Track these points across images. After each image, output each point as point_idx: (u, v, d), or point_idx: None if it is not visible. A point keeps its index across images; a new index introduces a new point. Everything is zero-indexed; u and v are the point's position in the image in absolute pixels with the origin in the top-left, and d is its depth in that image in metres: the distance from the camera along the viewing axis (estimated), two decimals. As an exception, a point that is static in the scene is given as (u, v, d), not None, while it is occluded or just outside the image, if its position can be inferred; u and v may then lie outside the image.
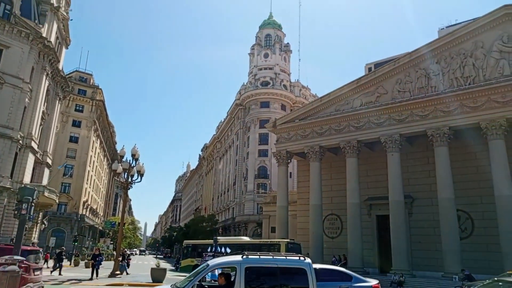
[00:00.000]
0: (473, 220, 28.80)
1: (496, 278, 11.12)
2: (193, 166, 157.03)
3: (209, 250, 31.21)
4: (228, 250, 28.33)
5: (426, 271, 28.35)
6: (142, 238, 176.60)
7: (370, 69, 51.56)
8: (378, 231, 33.72)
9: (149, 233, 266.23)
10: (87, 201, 70.74)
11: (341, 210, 34.58)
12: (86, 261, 38.24)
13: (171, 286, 9.43)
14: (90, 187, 73.03)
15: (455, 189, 27.55)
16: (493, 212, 25.96)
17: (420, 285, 25.08)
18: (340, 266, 32.31)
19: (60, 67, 46.33)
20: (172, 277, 26.78)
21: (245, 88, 77.88)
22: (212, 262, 9.30)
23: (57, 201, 46.65)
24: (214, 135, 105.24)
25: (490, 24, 27.65)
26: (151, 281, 22.71)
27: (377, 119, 31.67)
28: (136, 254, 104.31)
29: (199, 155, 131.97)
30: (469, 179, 29.04)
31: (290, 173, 63.01)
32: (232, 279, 8.69)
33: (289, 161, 38.13)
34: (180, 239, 60.99)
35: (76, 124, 68.52)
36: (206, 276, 9.16)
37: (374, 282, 13.23)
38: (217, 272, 9.27)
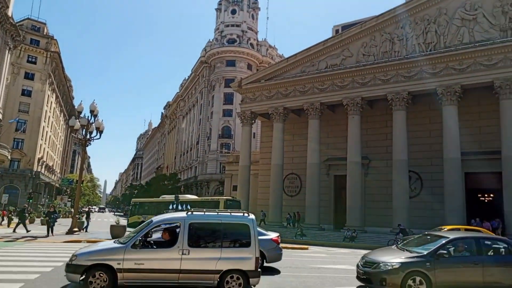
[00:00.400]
0: (422, 181, 30.71)
1: (426, 232, 12.30)
2: (155, 124, 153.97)
3: (170, 207, 31.37)
4: (189, 207, 28.58)
5: (377, 227, 30.22)
6: (101, 195, 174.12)
7: (337, 31, 51.39)
8: (335, 190, 35.23)
9: (109, 190, 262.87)
10: (42, 157, 67.97)
11: (301, 169, 35.56)
12: (42, 218, 37.35)
13: (114, 241, 9.51)
14: (45, 144, 69.96)
15: (408, 151, 29.00)
16: (440, 173, 27.70)
17: (369, 239, 26.81)
18: (293, 222, 33.98)
19: (10, 14, 42.51)
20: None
21: (210, 45, 75.67)
22: (156, 218, 9.41)
23: (8, 157, 44.45)
24: (177, 93, 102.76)
25: (455, -9, 28.10)
26: (111, 238, 22.62)
27: (341, 82, 32.08)
28: (95, 211, 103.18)
29: (162, 113, 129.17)
30: (422, 142, 30.58)
31: (254, 133, 63.44)
32: (176, 235, 8.85)
33: (253, 121, 38.21)
34: (141, 197, 60.71)
35: (29, 76, 64.12)
36: (152, 232, 9.21)
37: (274, 235, 13.96)
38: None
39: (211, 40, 77.49)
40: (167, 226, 9.22)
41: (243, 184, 36.54)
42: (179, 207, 28.41)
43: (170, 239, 8.96)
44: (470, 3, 27.42)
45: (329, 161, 35.07)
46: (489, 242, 10.11)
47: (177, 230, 8.96)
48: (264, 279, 10.82)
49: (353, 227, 28.21)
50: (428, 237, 10.96)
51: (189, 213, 9.21)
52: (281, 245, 14.30)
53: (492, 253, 9.78)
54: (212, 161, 67.25)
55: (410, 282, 9.00)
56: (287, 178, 37.47)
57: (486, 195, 31.17)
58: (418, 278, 9.01)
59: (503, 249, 9.84)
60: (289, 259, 15.56)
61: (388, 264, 9.26)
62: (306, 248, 22.10)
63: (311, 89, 33.49)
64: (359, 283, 10.28)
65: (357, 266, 10.22)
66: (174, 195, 34.96)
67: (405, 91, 28.96)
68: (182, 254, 8.60)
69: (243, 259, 8.82)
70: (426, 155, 30.40)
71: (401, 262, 9.24)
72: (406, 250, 10.16)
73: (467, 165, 28.05)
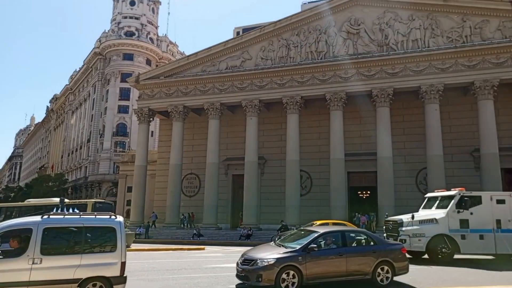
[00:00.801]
0: (312, 179, 33.13)
1: (302, 228, 13.42)
2: (38, 119, 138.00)
3: (54, 211, 28.28)
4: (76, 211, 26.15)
5: (272, 224, 31.61)
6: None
7: (238, 33, 52.54)
8: (234, 189, 35.89)
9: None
10: None
11: (200, 169, 35.37)
12: None
13: None
14: None
15: (301, 152, 31.01)
16: (327, 172, 30.20)
17: (264, 237, 27.91)
18: (188, 223, 33.78)
19: None
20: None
21: (106, 36, 70.64)
22: (2, 224, 8.49)
23: None
24: (66, 85, 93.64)
25: (342, 6, 30.96)
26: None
27: (240, 84, 32.78)
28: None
29: (47, 106, 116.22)
30: (312, 144, 32.97)
31: (152, 132, 61.15)
32: (28, 242, 8.02)
33: (151, 119, 36.74)
34: (20, 200, 53.72)
35: None
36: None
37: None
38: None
39: (107, 31, 72.39)
40: (16, 232, 8.18)
41: (139, 185, 34.89)
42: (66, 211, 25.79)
43: (18, 248, 7.99)
44: (354, 18, 30.44)
45: (228, 161, 35.56)
46: (353, 235, 11.20)
47: (30, 236, 8.03)
48: (153, 283, 10.46)
49: (249, 225, 29.08)
50: (302, 232, 11.75)
51: (45, 216, 8.39)
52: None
53: (354, 245, 10.84)
54: (105, 161, 62.87)
55: (284, 276, 9.55)
56: (186, 178, 36.91)
57: (365, 192, 34.96)
58: (291, 272, 9.60)
59: (363, 240, 10.93)
60: (184, 260, 15.30)
61: (265, 260, 9.64)
62: (203, 249, 22.04)
63: (212, 89, 33.56)
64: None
65: (237, 264, 10.39)
66: (45, 199, 31.48)
67: (298, 95, 30.87)
68: (33, 263, 7.78)
69: (107, 264, 8.33)
70: (316, 156, 32.85)
71: (276, 258, 9.69)
72: (282, 245, 10.70)
73: (350, 165, 31.12)
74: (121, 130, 64.75)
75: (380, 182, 28.54)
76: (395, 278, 10.61)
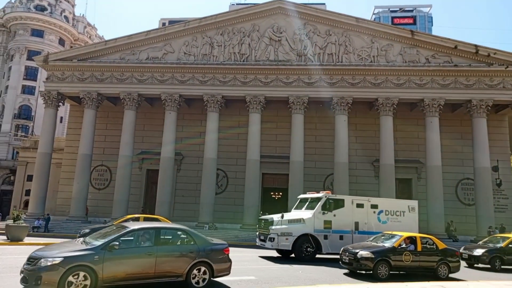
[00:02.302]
0: (228, 178, 33.65)
1: (115, 223, 13.05)
2: None
3: None
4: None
5: (185, 222, 31.32)
6: None
7: (164, 24, 51.12)
8: (147, 184, 34.88)
9: None
10: None
11: (112, 161, 33.67)
12: None
13: None
14: None
15: (219, 151, 31.31)
16: (243, 172, 30.95)
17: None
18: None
19: None
20: None
21: (12, 7, 63.31)
22: None
23: None
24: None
25: (266, 12, 31.91)
26: None
27: (161, 76, 31.94)
28: None
29: None
30: (231, 143, 33.45)
31: (61, 117, 56.52)
32: None
33: (60, 104, 33.95)
34: None
35: None
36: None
37: None
38: None
39: (13, 1, 64.91)
40: None
41: (41, 174, 32.03)
42: None
43: None
44: (277, 26, 31.59)
45: (143, 155, 34.43)
46: (169, 233, 10.27)
47: None
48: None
49: (160, 222, 28.51)
50: (114, 228, 10.61)
51: None
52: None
53: (170, 243, 9.93)
54: (3, 145, 56.47)
55: (71, 278, 8.24)
56: (95, 169, 34.87)
57: (277, 193, 36.46)
58: (82, 273, 8.37)
59: (182, 239, 10.15)
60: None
61: (49, 259, 8.26)
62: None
63: (130, 78, 32.18)
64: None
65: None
66: None
67: (220, 94, 31.09)
68: None
69: None
70: (233, 156, 33.41)
71: (63, 257, 8.36)
72: (86, 242, 9.44)
73: (265, 167, 32.25)
74: (25, 113, 58.65)
75: (291, 184, 30.01)
76: (221, 280, 10.67)
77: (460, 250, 17.80)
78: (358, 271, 13.45)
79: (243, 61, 31.36)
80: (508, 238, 17.98)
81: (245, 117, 31.92)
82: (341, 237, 17.25)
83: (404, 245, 13.42)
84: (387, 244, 13.60)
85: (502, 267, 16.84)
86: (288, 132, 31.50)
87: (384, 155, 29.62)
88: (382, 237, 14.69)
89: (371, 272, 12.85)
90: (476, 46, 29.72)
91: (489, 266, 16.97)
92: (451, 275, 13.80)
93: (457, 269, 13.85)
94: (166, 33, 32.57)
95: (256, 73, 30.92)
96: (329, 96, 30.53)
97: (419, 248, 13.53)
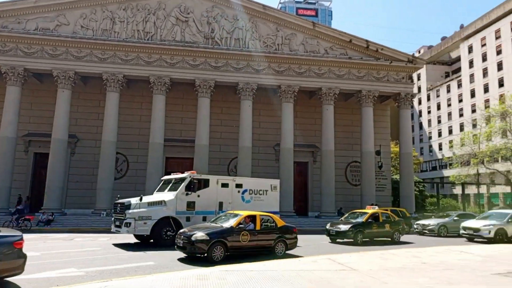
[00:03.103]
0: (129, 163, 32.17)
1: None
2: None
3: None
4: None
5: (79, 209, 29.31)
6: None
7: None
8: (35, 169, 31.55)
9: None
10: None
11: (-9, 144, 29.60)
12: None
13: None
14: None
15: (119, 133, 29.64)
16: (146, 156, 29.89)
17: (68, 222, 25.72)
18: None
19: None
20: None
21: None
22: None
23: None
24: None
25: (173, -9, 30.75)
26: None
27: (52, 50, 28.84)
28: None
29: None
30: (133, 126, 31.96)
31: None
32: None
33: None
34: None
35: None
36: None
37: None
38: None
39: None
40: None
41: None
42: None
43: None
44: (185, 6, 30.75)
45: (29, 137, 30.93)
46: None
47: None
48: None
49: (51, 210, 26.14)
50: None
51: None
52: None
53: None
54: None
55: None
56: (-31, 153, 30.25)
57: (182, 177, 36.04)
58: None
59: None
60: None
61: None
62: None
63: (14, 50, 28.41)
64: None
65: None
66: None
67: (121, 73, 29.30)
68: None
69: None
70: (135, 139, 31.97)
71: None
72: None
73: (169, 151, 31.57)
74: None
75: (196, 168, 29.83)
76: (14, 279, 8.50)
77: (327, 227, 18.96)
78: (195, 255, 12.19)
79: (148, 39, 29.93)
80: (366, 213, 18.95)
81: (149, 98, 30.70)
82: (204, 218, 16.48)
83: (243, 225, 12.83)
84: (226, 224, 12.83)
85: (364, 240, 17.98)
86: (194, 115, 31.20)
87: (284, 140, 31.23)
88: (224, 217, 13.87)
89: (206, 255, 11.80)
90: (367, 41, 32.82)
91: (352, 240, 17.70)
92: (288, 252, 13.69)
93: (293, 245, 13.91)
94: (59, 2, 29.33)
95: (161, 53, 29.80)
96: (235, 81, 30.94)
97: (258, 227, 13.02)
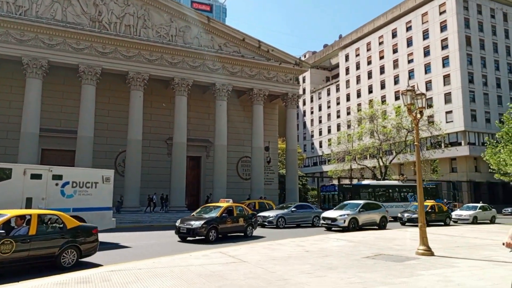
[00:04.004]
0: (-6, 155, 27.80)
1: None
2: None
3: None
4: None
5: None
6: None
7: None
8: None
9: None
10: None
11: None
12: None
13: None
14: None
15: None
16: (17, 148, 26.21)
17: None
18: None
19: None
20: None
21: None
22: None
23: None
24: None
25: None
26: None
27: None
28: None
29: None
30: (1, 113, 27.74)
31: None
32: None
33: None
34: None
35: None
36: None
37: None
38: None
39: None
40: None
41: None
42: None
43: None
44: (69, -18, 27.74)
45: None
46: None
47: None
48: None
49: None
50: None
51: None
52: None
53: None
54: None
55: None
56: None
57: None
58: None
59: None
60: None
61: None
62: None
63: None
64: None
65: None
66: None
67: (-16, 51, 25.12)
68: None
69: None
70: (3, 127, 27.82)
71: None
72: None
73: (45, 142, 28.26)
74: None
75: (78, 161, 27.37)
76: None
77: (177, 224, 16.21)
78: None
79: (20, 14, 26.17)
80: (220, 207, 16.82)
81: (21, 82, 27.01)
82: None
83: (14, 227, 9.31)
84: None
85: (219, 236, 15.98)
86: (77, 104, 28.47)
87: (177, 133, 30.63)
88: None
89: None
90: (259, 41, 34.13)
91: (204, 237, 15.29)
92: (83, 260, 10.26)
93: (93, 250, 10.47)
94: None
95: (37, 31, 26.37)
96: (125, 70, 29.15)
97: (32, 232, 9.17)
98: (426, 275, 8.24)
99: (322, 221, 21.68)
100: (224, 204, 17.60)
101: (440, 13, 55.99)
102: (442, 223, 25.97)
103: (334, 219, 20.63)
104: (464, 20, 54.20)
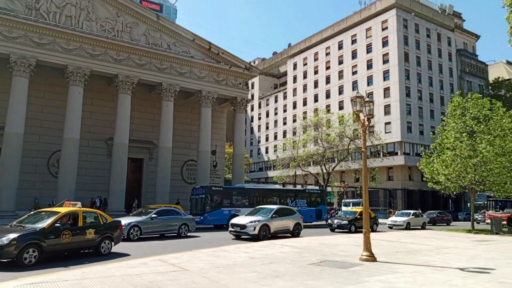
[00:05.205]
0: None
1: None
2: None
3: None
4: None
5: None
6: None
7: None
8: None
9: None
10: None
11: None
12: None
13: None
14: None
15: None
16: None
17: None
18: None
19: None
20: None
21: None
22: None
23: None
24: None
25: None
26: None
27: None
28: None
29: None
30: None
31: None
32: None
33: None
34: None
35: None
36: None
37: None
38: None
39: None
40: None
41: None
42: None
43: None
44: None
45: None
46: None
47: None
48: None
49: None
50: None
51: None
52: None
53: None
54: None
55: None
56: None
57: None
58: None
59: None
60: None
61: None
62: None
63: None
64: None
65: None
66: None
67: None
68: None
69: None
70: None
71: None
72: None
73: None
74: None
75: (5, 160, 24.98)
76: None
77: None
78: None
79: None
80: (56, 213, 11.48)
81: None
82: None
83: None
84: None
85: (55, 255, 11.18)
86: (5, 97, 25.96)
87: (119, 133, 29.09)
88: None
89: None
90: (209, 43, 33.58)
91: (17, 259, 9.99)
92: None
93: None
94: None
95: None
96: (64, 63, 27.15)
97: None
98: (372, 281, 8.26)
99: (230, 228, 19.02)
100: (64, 209, 12.09)
101: (383, 29, 59.19)
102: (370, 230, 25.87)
103: (243, 226, 18.28)
104: (403, 37, 57.75)
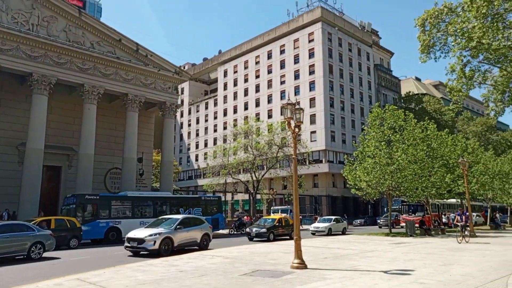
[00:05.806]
0: None
1: None
2: None
3: None
4: None
5: None
6: None
7: None
8: None
9: None
10: None
11: None
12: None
13: None
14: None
15: None
16: None
17: None
18: None
19: None
20: None
21: None
22: None
23: None
24: None
25: None
26: None
27: None
28: None
29: None
30: None
31: None
32: None
33: None
34: None
35: None
36: None
37: None
38: None
39: None
40: None
41: None
42: None
43: None
44: None
45: None
46: None
47: None
48: None
49: None
50: None
51: None
52: None
53: None
54: None
55: None
56: None
57: None
58: None
59: None
60: None
61: None
62: None
63: None
64: None
65: None
66: None
67: None
68: None
69: None
70: None
71: None
72: None
73: None
74: None
75: None
76: None
77: None
78: None
79: None
80: None
81: None
82: None
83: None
84: None
85: None
86: None
87: (32, 138, 26.40)
88: None
89: None
90: (137, 44, 32.13)
91: None
92: None
93: None
94: None
95: None
96: (-36, 58, 23.96)
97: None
98: (304, 290, 8.25)
99: (126, 244, 16.39)
100: None
101: (309, 41, 61.91)
102: (288, 237, 23.90)
103: (141, 240, 15.69)
104: (328, 50, 60.99)
